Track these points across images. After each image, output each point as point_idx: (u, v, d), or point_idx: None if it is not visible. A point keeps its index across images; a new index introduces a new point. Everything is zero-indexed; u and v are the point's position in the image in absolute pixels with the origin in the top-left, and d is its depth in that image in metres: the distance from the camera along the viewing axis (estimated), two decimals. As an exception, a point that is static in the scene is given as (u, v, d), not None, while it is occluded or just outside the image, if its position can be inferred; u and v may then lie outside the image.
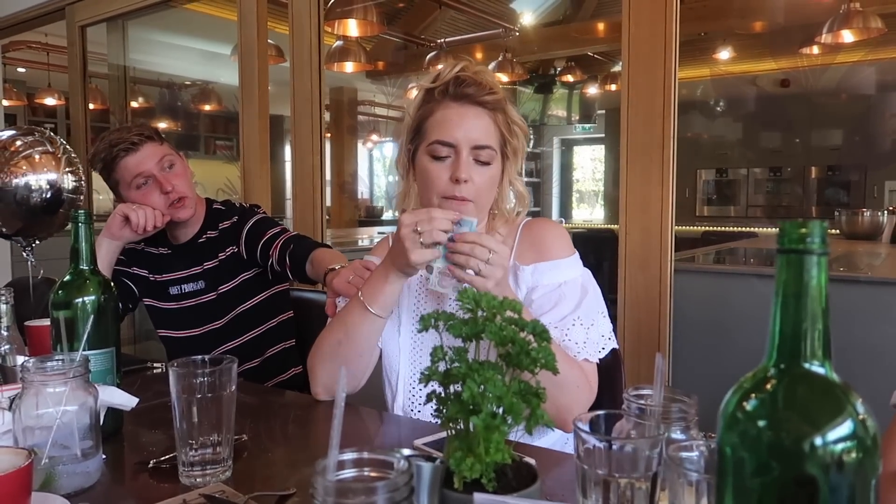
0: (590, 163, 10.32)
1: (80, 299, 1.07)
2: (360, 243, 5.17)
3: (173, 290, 1.83)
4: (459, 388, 0.63)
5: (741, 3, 4.94)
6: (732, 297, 2.54)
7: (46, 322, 1.38)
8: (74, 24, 3.65)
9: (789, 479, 0.44)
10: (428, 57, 5.28)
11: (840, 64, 5.73)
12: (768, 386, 0.44)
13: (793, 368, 0.43)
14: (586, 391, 1.17)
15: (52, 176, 2.41)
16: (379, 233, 5.98)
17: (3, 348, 1.19)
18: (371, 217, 8.52)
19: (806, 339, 0.43)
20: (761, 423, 0.44)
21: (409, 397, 1.27)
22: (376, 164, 10.28)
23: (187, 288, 1.82)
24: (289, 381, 1.84)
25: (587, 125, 8.52)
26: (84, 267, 1.09)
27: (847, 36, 3.60)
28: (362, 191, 9.22)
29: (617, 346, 1.27)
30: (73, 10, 3.65)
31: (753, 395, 0.45)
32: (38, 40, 5.21)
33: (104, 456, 0.95)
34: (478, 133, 1.19)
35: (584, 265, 1.28)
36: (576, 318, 1.19)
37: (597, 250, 3.30)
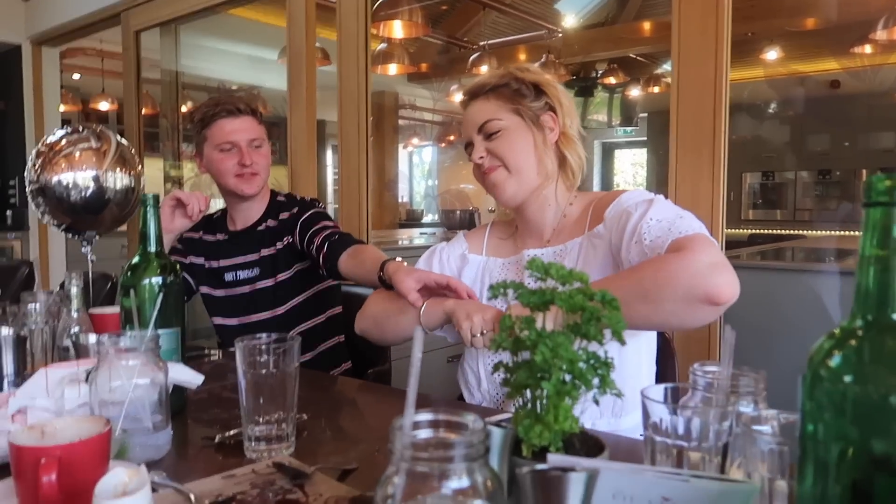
0: (630, 167, 10.24)
1: (148, 280, 1.11)
2: (399, 243, 5.21)
3: (228, 277, 1.86)
4: (527, 357, 0.63)
5: (791, 1, 4.84)
6: (782, 295, 2.49)
7: (110, 310, 1.44)
8: (130, 29, 3.78)
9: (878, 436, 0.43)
10: (471, 59, 5.30)
11: (894, 64, 5.58)
12: (853, 341, 0.44)
13: (881, 320, 0.43)
14: (706, 253, 1.01)
15: (93, 173, 2.29)
16: (421, 233, 6.01)
17: (74, 329, 1.23)
18: (411, 220, 8.58)
19: (893, 290, 0.43)
20: (847, 378, 0.44)
21: (493, 391, 1.28)
22: (416, 169, 10.35)
23: (242, 275, 1.85)
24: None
25: (629, 128, 8.44)
26: (151, 249, 1.13)
27: (902, 32, 3.51)
28: (402, 195, 9.28)
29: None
30: (129, 16, 3.78)
31: (838, 349, 0.44)
32: (94, 46, 5.41)
33: (171, 432, 0.98)
34: (479, 117, 1.28)
35: None
36: (649, 219, 1.10)
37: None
